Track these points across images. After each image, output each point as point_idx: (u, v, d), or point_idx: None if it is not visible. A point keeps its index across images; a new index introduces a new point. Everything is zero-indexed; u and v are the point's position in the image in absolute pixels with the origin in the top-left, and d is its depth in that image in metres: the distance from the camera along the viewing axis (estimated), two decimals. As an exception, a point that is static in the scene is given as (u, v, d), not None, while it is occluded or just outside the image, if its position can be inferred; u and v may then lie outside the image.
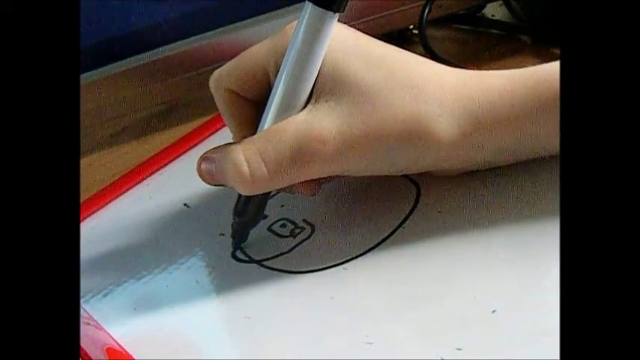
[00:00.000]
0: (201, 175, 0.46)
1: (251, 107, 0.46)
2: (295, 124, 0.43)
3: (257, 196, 0.45)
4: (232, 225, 0.47)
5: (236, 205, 0.46)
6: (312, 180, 0.45)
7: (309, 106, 0.44)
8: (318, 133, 0.43)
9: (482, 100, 0.43)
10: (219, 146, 0.46)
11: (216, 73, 0.46)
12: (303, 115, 0.44)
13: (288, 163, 0.43)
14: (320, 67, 0.44)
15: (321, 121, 0.43)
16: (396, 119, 0.43)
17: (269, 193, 0.46)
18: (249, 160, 0.43)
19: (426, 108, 0.43)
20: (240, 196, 0.46)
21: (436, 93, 0.43)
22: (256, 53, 0.45)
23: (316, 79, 0.44)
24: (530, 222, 0.44)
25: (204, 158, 0.46)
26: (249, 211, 0.46)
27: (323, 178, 0.46)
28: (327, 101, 0.43)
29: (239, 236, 0.48)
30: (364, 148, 0.43)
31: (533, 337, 0.39)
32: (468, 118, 0.43)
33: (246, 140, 0.44)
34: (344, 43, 0.44)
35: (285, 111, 0.44)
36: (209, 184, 0.46)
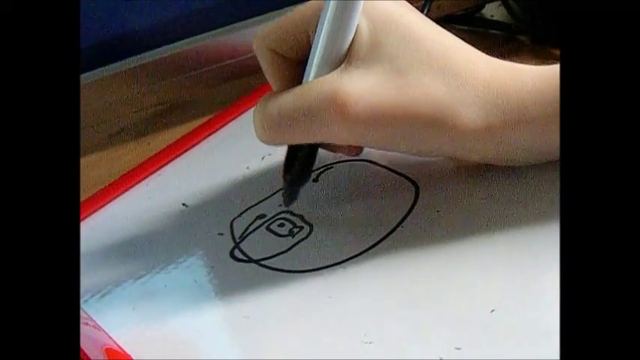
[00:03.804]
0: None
1: (292, 66, 0.46)
2: (322, 84, 0.44)
3: (301, 153, 0.46)
4: (283, 184, 0.48)
5: (285, 164, 0.47)
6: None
7: (341, 68, 0.44)
8: (342, 95, 0.43)
9: (513, 96, 0.43)
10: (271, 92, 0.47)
11: (259, 32, 0.47)
12: (331, 76, 0.44)
13: (304, 119, 0.44)
14: (358, 34, 0.44)
15: (347, 85, 0.43)
16: (426, 100, 0.43)
17: (314, 152, 0.47)
18: (266, 108, 0.45)
19: (457, 95, 0.43)
20: (287, 152, 0.47)
21: (469, 82, 0.43)
22: (299, 15, 0.46)
23: (353, 43, 0.44)
24: (530, 222, 0.44)
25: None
26: (295, 168, 0.47)
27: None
28: (357, 67, 0.43)
29: (288, 194, 0.48)
30: (388, 122, 0.43)
31: (532, 337, 0.39)
32: (497, 112, 0.43)
33: (276, 93, 0.45)
34: (388, 15, 0.44)
35: (323, 69, 0.44)
36: None
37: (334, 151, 0.49)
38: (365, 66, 0.43)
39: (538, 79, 0.43)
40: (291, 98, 0.44)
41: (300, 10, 0.46)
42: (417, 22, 0.45)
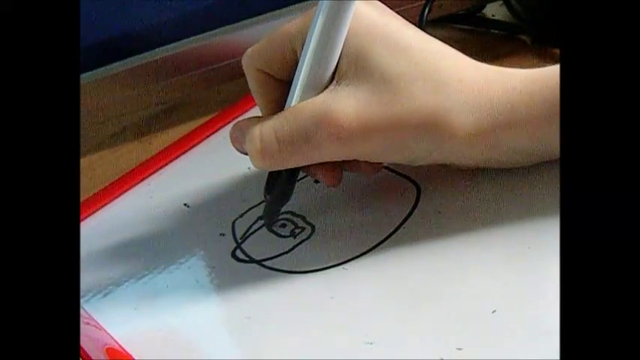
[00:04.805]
0: (231, 141, 0.47)
1: (280, 87, 0.46)
2: (314, 105, 0.44)
3: (283, 175, 0.46)
4: (265, 204, 0.48)
5: (266, 184, 0.47)
6: (333, 169, 0.46)
7: (330, 88, 0.44)
8: (336, 116, 0.43)
9: (502, 100, 0.43)
10: (252, 117, 0.47)
11: (248, 51, 0.47)
12: (322, 97, 0.44)
13: (302, 143, 0.44)
14: (344, 49, 0.44)
15: (340, 104, 0.43)
16: (416, 110, 0.43)
17: (296, 174, 0.46)
18: (262, 136, 0.44)
19: (447, 102, 0.43)
20: (269, 175, 0.47)
21: (458, 88, 0.43)
22: (286, 33, 0.45)
23: (339, 60, 0.44)
24: (530, 222, 0.44)
25: (235, 125, 0.47)
26: (276, 189, 0.46)
27: (345, 166, 0.46)
28: (348, 85, 0.43)
29: (269, 215, 0.48)
30: (381, 135, 0.43)
31: (533, 337, 0.39)
32: (487, 117, 0.43)
33: (267, 117, 0.45)
34: (371, 27, 0.44)
35: (309, 90, 0.44)
36: (238, 150, 0.47)
37: (314, 176, 0.47)
38: (354, 83, 0.43)
39: (527, 81, 0.43)
40: (285, 123, 0.44)
41: (285, 28, 0.45)
42: (401, 31, 0.44)
